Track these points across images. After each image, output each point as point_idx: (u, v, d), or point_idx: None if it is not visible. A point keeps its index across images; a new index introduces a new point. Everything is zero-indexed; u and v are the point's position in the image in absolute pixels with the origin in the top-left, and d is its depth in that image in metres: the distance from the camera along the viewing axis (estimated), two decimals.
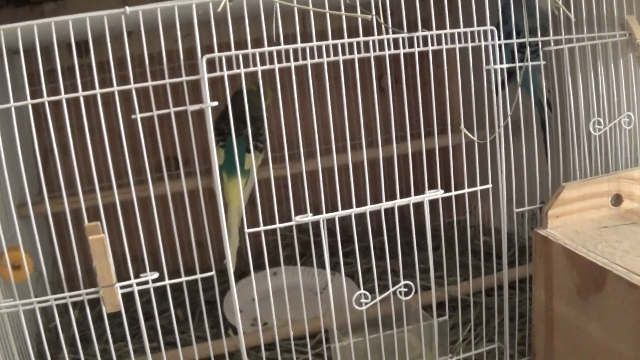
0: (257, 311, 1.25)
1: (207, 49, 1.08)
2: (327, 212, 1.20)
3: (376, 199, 1.23)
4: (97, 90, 1.05)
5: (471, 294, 1.39)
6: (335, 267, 1.32)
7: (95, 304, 1.11)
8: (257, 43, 1.11)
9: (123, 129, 1.07)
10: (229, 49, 1.09)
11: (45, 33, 1.03)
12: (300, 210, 1.19)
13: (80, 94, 1.04)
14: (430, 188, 1.26)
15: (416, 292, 1.27)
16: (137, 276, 1.12)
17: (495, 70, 1.25)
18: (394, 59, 1.19)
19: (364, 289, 1.23)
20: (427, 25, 1.21)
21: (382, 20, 1.10)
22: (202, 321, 1.26)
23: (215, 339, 1.36)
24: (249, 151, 1.47)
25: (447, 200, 1.29)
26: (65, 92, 1.05)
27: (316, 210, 1.20)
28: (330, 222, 1.21)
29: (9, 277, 1.11)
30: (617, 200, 1.34)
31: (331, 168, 1.18)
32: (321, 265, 1.26)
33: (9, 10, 1.80)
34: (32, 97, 1.05)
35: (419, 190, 1.25)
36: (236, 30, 1.09)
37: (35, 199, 1.14)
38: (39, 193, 1.59)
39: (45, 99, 1.03)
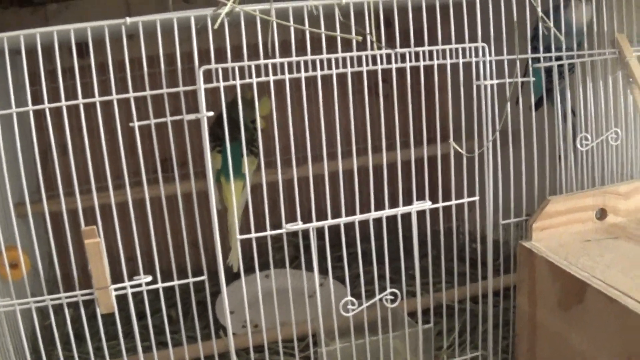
0: (247, 313, 1.27)
1: (205, 53, 1.11)
2: (318, 218, 1.23)
3: (366, 207, 1.26)
4: (97, 99, 1.08)
5: (456, 301, 1.41)
6: (326, 271, 1.35)
7: (89, 302, 1.14)
8: (254, 48, 1.13)
9: (121, 132, 1.10)
10: (227, 53, 1.12)
11: (48, 37, 1.06)
12: (292, 215, 1.22)
13: (80, 101, 1.07)
14: (418, 197, 1.29)
15: (402, 299, 1.30)
16: (131, 276, 1.14)
17: (485, 86, 1.27)
18: (387, 71, 1.22)
19: (353, 294, 1.26)
20: (422, 38, 1.24)
21: (374, 39, 1.13)
22: (194, 323, 1.29)
23: (206, 339, 1.39)
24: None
25: (435, 209, 1.32)
26: (66, 93, 1.08)
27: (308, 215, 1.23)
28: (321, 228, 1.24)
29: (6, 275, 1.14)
30: (602, 214, 1.36)
31: (322, 175, 1.21)
32: (312, 269, 1.28)
33: (13, 10, 1.81)
34: (33, 96, 1.07)
35: (408, 200, 1.28)
36: (233, 36, 1.11)
37: (33, 198, 1.17)
38: (36, 192, 1.62)
39: (46, 105, 1.06)
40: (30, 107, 1.06)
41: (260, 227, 1.22)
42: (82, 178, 1.13)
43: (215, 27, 0.94)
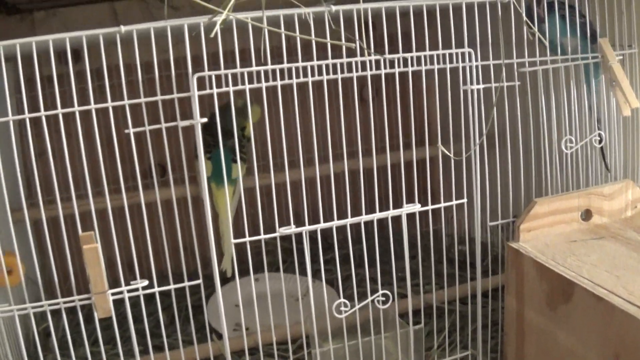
0: (242, 317, 1.29)
1: (198, 58, 1.12)
2: (309, 221, 1.24)
3: (357, 209, 1.28)
4: (92, 106, 1.09)
5: (446, 302, 1.43)
6: (316, 274, 1.36)
7: (84, 306, 1.15)
8: (246, 54, 1.14)
9: (116, 138, 1.11)
10: (219, 57, 1.13)
11: (41, 45, 1.07)
12: (283, 219, 1.24)
13: (76, 109, 1.08)
14: (408, 199, 1.31)
15: (393, 300, 1.32)
16: (126, 278, 1.16)
17: (472, 91, 1.30)
18: (373, 76, 1.24)
19: (344, 296, 1.28)
20: (409, 44, 1.26)
21: (364, 46, 1.14)
22: (188, 325, 1.30)
23: (200, 342, 1.40)
24: (235, 161, 1.51)
25: (424, 211, 1.34)
26: (60, 98, 1.08)
27: (299, 218, 1.25)
28: (312, 231, 1.25)
29: (4, 282, 1.15)
30: (587, 215, 1.39)
31: (313, 178, 1.23)
32: (303, 272, 1.30)
33: (1, 18, 1.82)
34: (29, 102, 1.08)
35: (398, 202, 1.30)
36: (225, 41, 1.12)
37: (27, 205, 1.17)
38: (30, 199, 1.62)
39: (42, 113, 1.07)
40: (27, 115, 1.07)
41: (251, 231, 1.23)
42: (77, 184, 1.14)
43: (212, 36, 0.96)
